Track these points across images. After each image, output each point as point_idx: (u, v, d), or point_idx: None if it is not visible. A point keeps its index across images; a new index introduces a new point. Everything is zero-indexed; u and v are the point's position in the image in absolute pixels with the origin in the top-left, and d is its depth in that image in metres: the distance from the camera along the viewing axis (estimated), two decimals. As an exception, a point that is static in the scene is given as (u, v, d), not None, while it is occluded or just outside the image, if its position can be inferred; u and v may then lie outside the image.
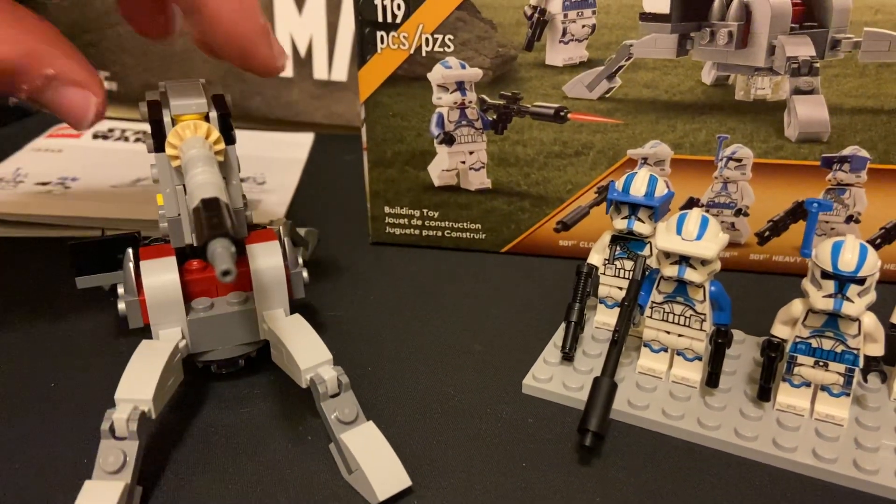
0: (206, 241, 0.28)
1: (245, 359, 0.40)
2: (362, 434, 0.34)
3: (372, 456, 0.33)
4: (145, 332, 0.38)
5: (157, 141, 0.36)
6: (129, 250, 0.39)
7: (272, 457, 0.35)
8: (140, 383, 0.34)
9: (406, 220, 0.54)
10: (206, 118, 0.36)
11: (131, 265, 0.38)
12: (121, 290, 0.38)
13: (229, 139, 0.37)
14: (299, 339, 0.37)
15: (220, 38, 0.35)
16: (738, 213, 0.50)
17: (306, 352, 0.36)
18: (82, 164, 0.65)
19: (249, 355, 0.40)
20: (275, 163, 0.68)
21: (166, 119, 0.36)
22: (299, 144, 0.73)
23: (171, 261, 0.38)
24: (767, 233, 0.50)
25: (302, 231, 0.46)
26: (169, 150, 0.35)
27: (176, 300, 0.37)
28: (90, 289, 0.48)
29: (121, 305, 0.38)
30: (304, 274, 0.40)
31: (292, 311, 0.39)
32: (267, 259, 0.39)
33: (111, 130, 0.75)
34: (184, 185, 0.35)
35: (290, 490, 0.33)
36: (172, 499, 0.33)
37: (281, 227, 0.41)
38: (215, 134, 0.35)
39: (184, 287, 0.38)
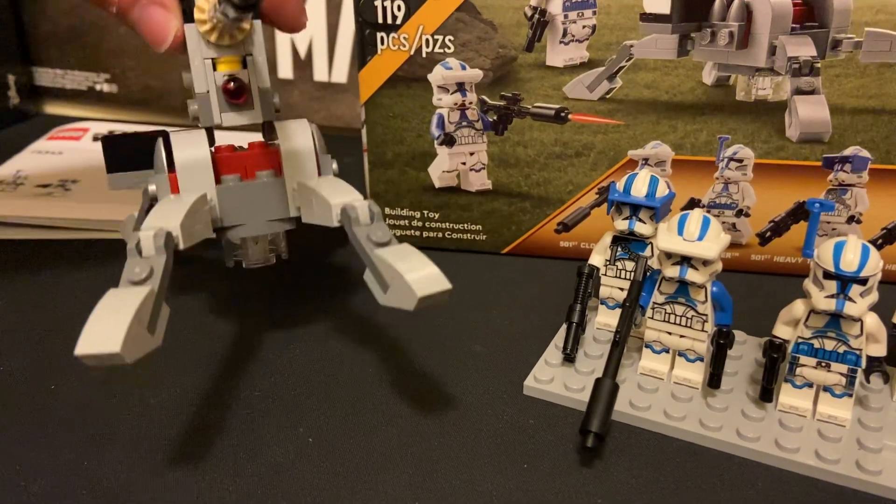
0: None
1: (276, 257, 0.41)
2: (398, 249, 0.34)
3: (409, 262, 0.32)
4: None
5: (187, 12, 0.36)
6: (160, 138, 0.39)
7: (272, 457, 0.35)
8: (167, 215, 0.34)
9: (407, 221, 0.54)
10: None
11: (162, 147, 0.38)
12: (152, 187, 0.39)
13: (257, 13, 0.37)
14: (332, 185, 0.37)
15: None
16: (740, 213, 0.50)
17: (338, 193, 0.36)
18: (83, 167, 0.65)
19: (279, 254, 0.41)
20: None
21: None
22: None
23: (201, 133, 0.38)
24: (769, 233, 0.50)
25: None
26: (197, 15, 0.36)
27: (206, 166, 0.38)
28: (90, 290, 0.48)
29: (151, 187, 0.38)
30: (335, 165, 0.41)
31: None
32: (297, 136, 0.40)
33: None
34: (212, 60, 0.37)
35: (290, 493, 0.33)
36: (170, 501, 0.33)
37: None
38: None
39: (214, 166, 0.38)
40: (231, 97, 0.38)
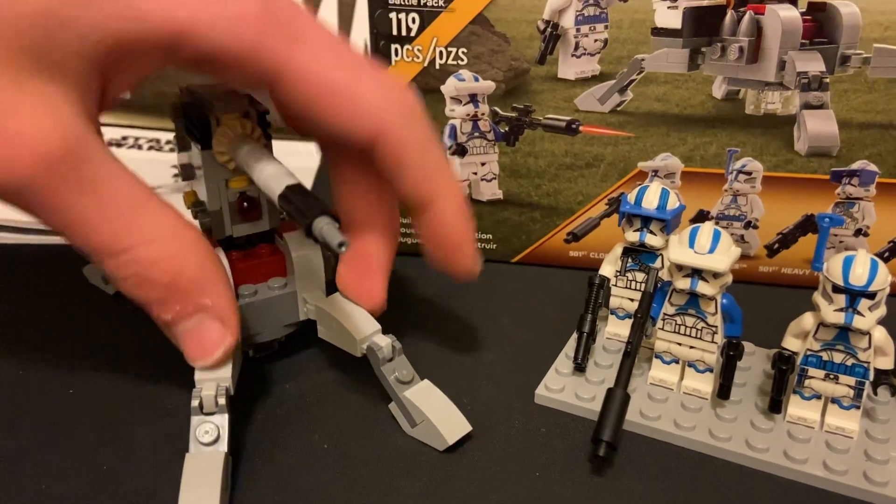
0: (311, 222, 0.30)
1: (278, 342, 0.42)
2: (422, 390, 0.38)
3: (436, 408, 0.37)
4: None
5: (205, 139, 0.37)
6: None
7: (287, 463, 0.36)
8: None
9: (418, 230, 0.54)
10: (246, 115, 0.38)
11: None
12: None
13: (267, 136, 0.39)
14: (349, 313, 0.39)
15: (437, 238, 0.37)
16: (748, 225, 0.50)
17: (359, 324, 0.38)
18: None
19: (280, 340, 0.42)
20: (286, 172, 0.69)
21: (211, 118, 0.37)
22: (310, 153, 0.74)
23: (220, 252, 0.39)
24: (777, 245, 0.50)
25: None
26: (217, 147, 0.37)
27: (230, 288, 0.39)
28: (106, 296, 0.49)
29: None
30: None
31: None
32: (305, 245, 0.41)
33: (125, 138, 0.75)
34: (225, 181, 0.38)
35: (305, 500, 0.34)
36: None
37: None
38: (258, 131, 0.37)
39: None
40: (244, 214, 0.40)
